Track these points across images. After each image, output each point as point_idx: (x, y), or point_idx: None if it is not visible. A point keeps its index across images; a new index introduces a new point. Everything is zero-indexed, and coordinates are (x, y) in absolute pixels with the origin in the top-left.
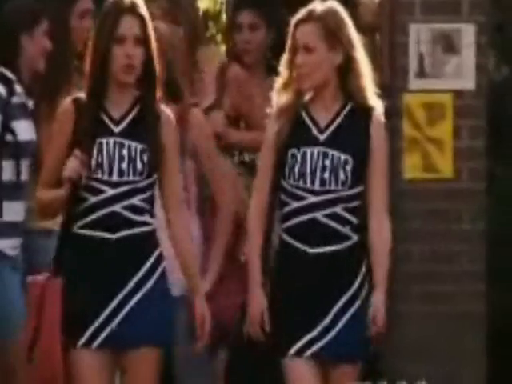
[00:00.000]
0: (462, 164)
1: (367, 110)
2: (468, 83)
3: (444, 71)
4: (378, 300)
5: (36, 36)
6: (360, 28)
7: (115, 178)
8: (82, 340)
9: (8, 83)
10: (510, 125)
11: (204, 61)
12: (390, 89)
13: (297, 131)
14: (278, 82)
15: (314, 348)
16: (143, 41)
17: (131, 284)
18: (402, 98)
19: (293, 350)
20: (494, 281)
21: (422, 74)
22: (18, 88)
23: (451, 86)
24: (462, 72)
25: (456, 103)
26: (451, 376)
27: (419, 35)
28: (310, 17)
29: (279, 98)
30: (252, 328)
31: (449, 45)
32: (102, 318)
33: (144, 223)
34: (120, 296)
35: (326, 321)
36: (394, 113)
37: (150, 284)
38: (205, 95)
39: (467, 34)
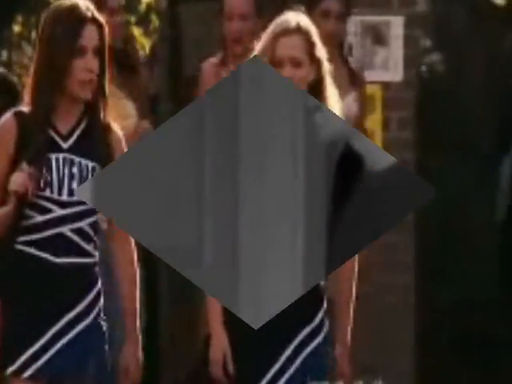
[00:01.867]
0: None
1: None
2: (396, 75)
3: (373, 63)
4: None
5: None
6: None
7: (65, 197)
8: (12, 368)
9: None
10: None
11: None
12: None
13: None
14: None
15: None
16: (99, 51)
17: (70, 315)
18: None
19: None
20: (423, 272)
21: None
22: None
23: (380, 78)
24: (390, 64)
25: (385, 95)
26: (380, 368)
27: (348, 27)
28: (296, 29)
29: None
30: (214, 370)
31: (377, 37)
32: (37, 346)
33: (88, 254)
34: (57, 327)
35: (286, 354)
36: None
37: (89, 319)
38: None
39: (396, 25)
